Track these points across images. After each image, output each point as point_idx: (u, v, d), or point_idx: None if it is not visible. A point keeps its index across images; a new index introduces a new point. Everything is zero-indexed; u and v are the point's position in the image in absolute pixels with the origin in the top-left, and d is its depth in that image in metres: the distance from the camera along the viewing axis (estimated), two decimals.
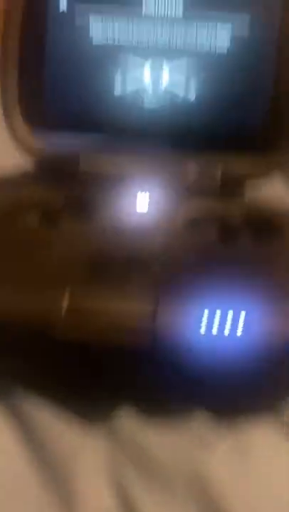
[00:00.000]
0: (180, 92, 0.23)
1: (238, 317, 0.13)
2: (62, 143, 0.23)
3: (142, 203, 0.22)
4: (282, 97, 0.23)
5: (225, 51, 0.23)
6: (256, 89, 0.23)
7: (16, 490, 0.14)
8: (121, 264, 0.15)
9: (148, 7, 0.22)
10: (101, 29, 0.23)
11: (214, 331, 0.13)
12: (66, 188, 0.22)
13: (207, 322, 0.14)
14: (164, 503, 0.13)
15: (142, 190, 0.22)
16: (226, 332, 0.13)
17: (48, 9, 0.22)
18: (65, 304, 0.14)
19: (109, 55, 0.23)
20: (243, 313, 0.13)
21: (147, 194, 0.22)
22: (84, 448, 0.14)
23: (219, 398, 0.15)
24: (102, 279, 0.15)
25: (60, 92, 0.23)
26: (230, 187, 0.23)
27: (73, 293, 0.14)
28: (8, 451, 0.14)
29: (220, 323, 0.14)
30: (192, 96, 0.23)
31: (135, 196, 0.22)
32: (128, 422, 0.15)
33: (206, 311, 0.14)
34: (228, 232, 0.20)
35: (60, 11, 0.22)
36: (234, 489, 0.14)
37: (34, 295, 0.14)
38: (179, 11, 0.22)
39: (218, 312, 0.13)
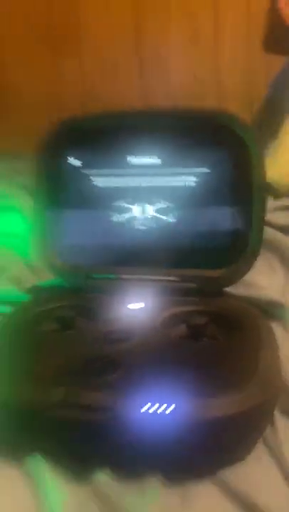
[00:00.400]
0: (163, 217, 0.31)
1: (169, 407, 0.20)
2: (75, 263, 0.32)
3: (133, 306, 0.29)
4: (240, 222, 0.30)
5: (193, 184, 0.31)
6: (221, 216, 0.30)
7: None
8: (98, 366, 0.23)
9: (134, 160, 0.31)
10: (98, 177, 0.32)
11: (151, 413, 0.20)
12: (76, 300, 0.30)
13: (147, 409, 0.20)
14: None
15: (133, 295, 0.30)
16: (159, 414, 0.20)
17: (61, 162, 0.32)
18: (59, 397, 0.21)
19: (107, 194, 0.32)
20: (172, 406, 0.20)
21: (137, 299, 0.30)
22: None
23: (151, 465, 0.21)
24: (84, 379, 0.22)
25: (73, 228, 0.32)
26: (205, 291, 0.30)
27: (65, 390, 0.21)
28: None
29: (156, 410, 0.20)
30: (172, 220, 0.31)
31: (127, 301, 0.29)
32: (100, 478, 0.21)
33: (148, 404, 0.20)
34: (195, 329, 0.27)
35: (71, 164, 0.32)
36: None
37: (40, 388, 0.22)
38: (157, 161, 0.31)
39: (156, 404, 0.20)
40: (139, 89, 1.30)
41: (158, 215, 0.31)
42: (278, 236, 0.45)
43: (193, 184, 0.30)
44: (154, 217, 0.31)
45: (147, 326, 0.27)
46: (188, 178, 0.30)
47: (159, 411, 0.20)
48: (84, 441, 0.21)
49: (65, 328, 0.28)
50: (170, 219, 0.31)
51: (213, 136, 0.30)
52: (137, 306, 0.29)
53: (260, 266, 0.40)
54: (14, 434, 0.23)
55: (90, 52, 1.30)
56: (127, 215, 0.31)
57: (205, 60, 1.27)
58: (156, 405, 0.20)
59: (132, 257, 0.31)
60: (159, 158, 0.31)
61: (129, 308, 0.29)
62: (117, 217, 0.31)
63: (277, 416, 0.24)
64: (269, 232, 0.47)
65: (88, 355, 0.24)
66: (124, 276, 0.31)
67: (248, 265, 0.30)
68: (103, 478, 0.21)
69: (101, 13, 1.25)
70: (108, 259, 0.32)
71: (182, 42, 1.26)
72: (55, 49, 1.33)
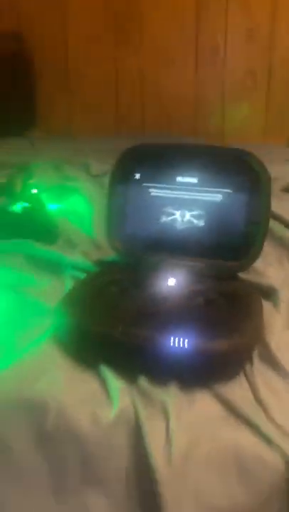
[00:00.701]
0: (195, 221, 0.45)
1: (185, 341, 0.35)
2: (132, 251, 0.47)
3: (168, 281, 0.44)
4: (251, 229, 0.44)
5: (219, 200, 0.44)
6: (237, 224, 0.44)
7: None
8: (142, 315, 0.38)
9: (180, 179, 0.45)
10: (155, 189, 0.46)
11: (175, 343, 0.35)
12: (130, 273, 0.45)
13: (172, 341, 0.35)
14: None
15: (169, 273, 0.44)
16: (177, 343, 0.35)
17: (128, 179, 0.46)
18: (118, 330, 0.36)
19: (158, 202, 0.46)
20: (186, 341, 0.35)
21: (172, 277, 0.44)
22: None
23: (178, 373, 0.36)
24: (133, 322, 0.37)
25: (131, 223, 0.47)
26: (221, 275, 0.44)
27: (122, 327, 0.36)
28: None
29: (178, 342, 0.35)
30: (202, 224, 0.45)
31: (165, 277, 0.44)
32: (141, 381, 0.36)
33: (173, 338, 0.35)
34: (208, 300, 0.41)
35: (135, 178, 0.46)
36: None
37: (107, 325, 0.37)
38: (195, 181, 0.45)
39: (177, 339, 0.35)
40: (193, 79, 1.41)
41: (192, 219, 0.45)
42: (287, 233, 0.58)
43: (218, 199, 0.44)
44: (189, 221, 0.45)
45: (177, 295, 0.42)
46: (215, 195, 0.44)
47: (179, 341, 0.35)
48: (132, 358, 0.37)
49: (122, 291, 0.43)
50: (200, 223, 0.45)
51: (235, 166, 0.43)
52: (171, 281, 0.44)
53: (271, 260, 0.54)
54: (90, 351, 0.38)
55: (149, 41, 1.42)
56: (170, 218, 0.46)
57: (259, 55, 1.37)
58: (178, 339, 0.35)
59: (171, 248, 0.46)
60: (196, 179, 0.45)
61: (165, 282, 0.44)
62: (163, 219, 0.46)
63: (256, 360, 0.38)
64: (282, 231, 0.60)
65: (136, 308, 0.39)
66: (164, 260, 0.46)
67: (252, 261, 0.44)
68: (143, 381, 0.36)
69: (162, 5, 1.36)
70: (155, 247, 0.46)
71: (238, 36, 1.36)
72: (117, 37, 1.46)
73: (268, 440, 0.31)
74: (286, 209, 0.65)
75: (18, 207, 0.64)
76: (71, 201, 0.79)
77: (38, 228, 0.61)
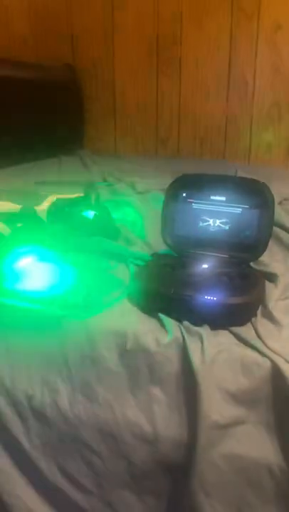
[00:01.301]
0: (223, 226, 0.69)
1: (214, 297, 0.58)
2: (179, 246, 0.71)
3: (203, 265, 0.68)
4: (259, 233, 0.67)
5: (239, 212, 0.68)
6: (251, 229, 0.68)
7: None
8: (185, 283, 0.62)
9: (213, 197, 0.69)
10: (196, 204, 0.70)
11: (208, 299, 0.58)
12: (178, 260, 0.69)
13: (206, 298, 0.59)
14: None
15: (203, 261, 0.68)
16: (208, 299, 0.58)
17: (178, 196, 0.71)
18: (171, 291, 0.60)
19: (198, 212, 0.70)
20: (215, 297, 0.58)
21: (205, 263, 0.68)
22: None
23: (208, 319, 0.59)
24: (181, 286, 0.61)
25: (178, 227, 0.71)
26: (239, 263, 0.68)
27: (174, 288, 0.60)
28: None
29: (209, 298, 0.58)
30: (227, 228, 0.69)
31: (200, 263, 0.68)
32: (184, 325, 0.60)
33: (206, 296, 0.59)
34: (230, 277, 0.65)
35: (183, 196, 0.71)
36: None
37: (164, 287, 0.61)
38: (223, 199, 0.69)
39: (209, 296, 0.59)
40: (224, 109, 1.67)
41: (220, 225, 0.69)
42: None
43: (239, 212, 0.68)
44: (218, 226, 0.69)
45: (209, 274, 0.65)
46: (236, 209, 0.68)
47: (210, 298, 0.59)
48: (180, 309, 0.60)
49: (173, 270, 0.67)
50: (226, 227, 0.69)
51: (251, 190, 0.68)
52: (205, 266, 0.68)
53: (278, 258, 0.77)
54: (153, 305, 0.62)
55: (187, 74, 1.70)
56: (206, 223, 0.70)
57: (284, 87, 1.61)
58: (209, 296, 0.59)
59: (206, 244, 0.70)
60: (224, 198, 0.69)
61: (201, 266, 0.68)
62: (201, 224, 0.70)
63: (259, 315, 0.62)
64: (286, 236, 0.84)
65: (182, 279, 0.63)
66: (200, 252, 0.70)
67: (260, 254, 0.68)
68: (186, 323, 0.60)
69: (200, 41, 1.63)
70: (195, 243, 0.70)
71: (266, 70, 1.61)
72: (160, 68, 1.74)
73: (261, 352, 0.55)
74: None
75: (90, 214, 0.89)
76: (124, 212, 1.04)
77: (105, 230, 0.86)
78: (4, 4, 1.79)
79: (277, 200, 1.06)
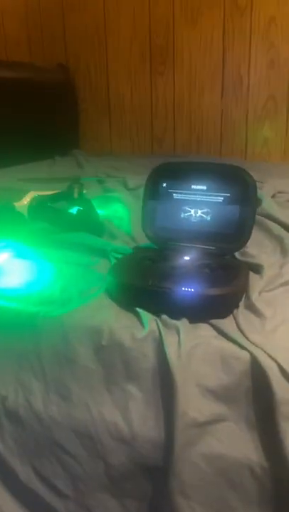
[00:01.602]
0: (204, 216, 0.66)
1: (192, 289, 0.55)
2: (160, 238, 0.68)
3: (185, 257, 0.64)
4: (242, 222, 0.64)
5: (220, 201, 0.65)
6: (233, 218, 0.65)
7: None
8: (165, 275, 0.58)
9: (194, 186, 0.66)
10: (176, 194, 0.67)
11: (186, 291, 0.55)
12: (159, 253, 0.66)
13: (184, 289, 0.55)
14: None
15: (185, 253, 0.65)
16: (187, 290, 0.55)
17: (158, 187, 0.68)
18: (149, 283, 0.57)
19: (179, 203, 0.67)
20: (192, 289, 0.55)
21: (187, 255, 0.65)
22: None
23: (187, 312, 0.56)
24: (160, 278, 0.58)
25: (159, 219, 0.68)
26: (221, 254, 0.65)
27: (152, 280, 0.57)
28: None
29: (187, 290, 0.55)
30: (208, 218, 0.66)
31: (182, 255, 0.65)
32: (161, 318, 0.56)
33: (184, 288, 0.56)
34: (212, 269, 0.62)
35: (163, 186, 0.68)
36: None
37: (142, 280, 0.58)
38: (204, 188, 0.66)
39: (187, 288, 0.55)
40: (220, 105, 1.64)
41: (202, 215, 0.66)
42: (282, 232, 0.79)
43: (220, 201, 0.65)
44: (200, 216, 0.66)
45: (190, 265, 0.62)
46: (218, 198, 0.65)
47: (188, 289, 0.55)
48: (158, 302, 0.57)
49: (153, 262, 0.64)
50: (208, 218, 0.66)
51: (232, 177, 0.64)
52: (187, 257, 0.64)
53: (267, 250, 0.74)
54: (130, 298, 0.59)
55: (181, 72, 1.67)
56: (187, 214, 0.67)
57: (279, 82, 1.58)
58: (187, 288, 0.55)
59: (188, 235, 0.66)
60: (205, 186, 0.66)
61: (183, 258, 0.64)
62: (182, 215, 0.67)
63: (241, 307, 0.58)
64: (279, 230, 0.80)
65: (161, 272, 0.60)
66: (182, 244, 0.67)
67: (243, 244, 0.65)
68: (164, 317, 0.57)
69: (193, 39, 1.60)
70: (176, 235, 0.67)
71: (260, 64, 1.58)
72: (153, 66, 1.72)
73: (241, 346, 0.51)
74: (286, 215, 0.86)
75: (74, 209, 0.86)
76: (112, 208, 1.01)
77: (89, 225, 0.83)
78: None
79: (270, 193, 1.03)
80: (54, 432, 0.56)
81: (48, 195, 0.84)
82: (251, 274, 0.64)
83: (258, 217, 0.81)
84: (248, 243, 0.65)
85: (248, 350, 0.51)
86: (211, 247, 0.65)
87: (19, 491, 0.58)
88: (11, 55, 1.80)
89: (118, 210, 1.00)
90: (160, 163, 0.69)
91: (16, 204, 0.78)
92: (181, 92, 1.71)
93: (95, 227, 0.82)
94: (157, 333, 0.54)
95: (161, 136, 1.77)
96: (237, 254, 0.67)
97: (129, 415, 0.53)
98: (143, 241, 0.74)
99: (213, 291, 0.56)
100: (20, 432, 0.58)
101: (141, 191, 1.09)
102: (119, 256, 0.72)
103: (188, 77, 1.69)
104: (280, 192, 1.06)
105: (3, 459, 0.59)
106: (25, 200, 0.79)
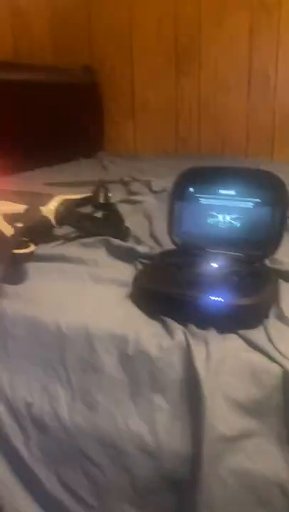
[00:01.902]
0: (233, 222, 0.64)
1: (221, 298, 0.53)
2: (186, 244, 0.66)
3: (212, 264, 0.62)
4: (272, 229, 0.62)
5: (251, 207, 0.63)
6: (263, 224, 0.62)
7: None
8: (193, 283, 0.57)
9: (222, 191, 0.64)
10: (204, 199, 0.65)
11: (214, 300, 0.53)
12: (185, 258, 0.64)
13: (212, 298, 0.53)
14: None
15: (213, 259, 0.63)
16: (215, 300, 0.53)
17: (184, 192, 0.66)
18: (177, 291, 0.56)
19: (206, 208, 0.65)
20: (221, 298, 0.53)
21: (215, 262, 0.63)
22: None
23: (215, 322, 0.54)
24: (187, 286, 0.56)
25: (186, 224, 0.66)
26: (251, 261, 0.62)
27: (178, 288, 0.55)
28: None
29: (216, 299, 0.53)
30: (238, 224, 0.64)
31: (210, 261, 0.63)
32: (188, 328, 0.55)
33: (212, 297, 0.54)
34: (241, 277, 0.60)
35: (190, 191, 0.66)
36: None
37: (169, 287, 0.57)
38: (233, 193, 0.64)
39: (215, 297, 0.54)
40: (246, 105, 1.61)
41: (231, 221, 0.64)
42: None
43: (250, 206, 0.63)
44: (229, 222, 0.64)
45: (218, 273, 0.60)
46: (248, 203, 0.63)
47: (217, 299, 0.53)
48: (185, 311, 0.56)
49: (179, 269, 0.62)
50: (237, 223, 0.64)
51: (263, 183, 0.62)
52: (214, 264, 0.63)
53: None
54: (156, 306, 0.58)
55: (206, 72, 1.64)
56: (215, 220, 0.65)
57: None
58: (216, 298, 0.54)
59: (215, 241, 0.65)
60: (234, 191, 0.64)
61: (210, 265, 0.63)
62: (210, 220, 0.65)
63: (271, 317, 0.56)
64: None
65: (189, 279, 0.58)
66: (209, 250, 0.65)
67: (273, 251, 0.62)
68: (191, 326, 0.55)
69: (219, 39, 1.58)
70: (203, 241, 0.65)
71: (288, 63, 1.54)
72: (178, 67, 1.69)
73: (272, 358, 0.49)
74: None
75: (99, 214, 0.85)
76: (137, 211, 1.00)
77: (114, 230, 0.82)
78: (24, 10, 1.78)
79: None
80: (79, 441, 0.55)
81: (74, 200, 0.83)
82: (281, 282, 0.61)
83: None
84: (279, 250, 0.63)
85: (280, 364, 0.49)
86: (239, 254, 0.63)
87: (44, 500, 0.57)
88: (37, 58, 1.80)
89: (142, 213, 0.98)
90: (186, 167, 0.67)
91: (43, 208, 0.77)
92: (207, 93, 1.69)
93: (119, 231, 0.81)
94: (184, 343, 0.53)
95: (186, 136, 1.75)
96: (266, 262, 0.65)
97: (155, 427, 0.52)
98: (168, 246, 0.72)
99: (243, 301, 0.54)
100: (46, 439, 0.57)
101: (165, 194, 1.08)
102: (145, 261, 0.70)
103: (213, 77, 1.66)
104: None
105: (29, 466, 0.58)
106: (52, 205, 0.78)
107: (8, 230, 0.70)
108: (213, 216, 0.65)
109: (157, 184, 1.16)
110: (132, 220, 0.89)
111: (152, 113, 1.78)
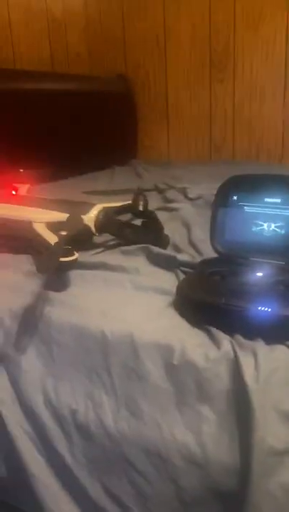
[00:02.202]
0: (278, 230, 0.63)
1: (269, 308, 0.52)
2: (229, 252, 0.65)
3: (256, 273, 0.62)
4: None
5: None
6: None
7: None
8: (238, 293, 0.56)
9: (267, 199, 0.63)
10: (248, 207, 0.65)
11: (262, 310, 0.53)
12: (228, 266, 0.64)
13: (260, 308, 0.53)
14: None
15: (257, 268, 0.62)
16: (263, 310, 0.52)
17: (228, 199, 0.65)
18: (223, 301, 0.55)
19: (250, 216, 0.64)
20: (270, 309, 0.52)
21: (259, 271, 0.62)
22: None
23: (263, 333, 0.53)
24: (232, 297, 0.55)
25: (229, 232, 0.66)
26: None
27: (225, 299, 0.55)
28: None
29: (263, 309, 0.53)
30: (283, 232, 0.63)
31: (254, 271, 0.62)
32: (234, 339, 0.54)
33: (260, 307, 0.53)
34: (287, 286, 0.58)
35: (234, 199, 0.65)
36: None
37: (213, 297, 0.56)
38: (278, 201, 0.63)
39: (263, 307, 0.53)
40: (281, 112, 1.59)
41: (276, 229, 0.63)
42: None
43: None
44: (273, 230, 0.63)
45: (263, 282, 0.59)
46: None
47: (265, 309, 0.53)
48: (231, 321, 0.55)
49: (223, 278, 0.62)
50: (282, 232, 0.63)
51: None
52: (259, 273, 0.62)
53: None
54: (202, 316, 0.57)
55: (241, 79, 1.63)
56: (259, 228, 0.64)
57: None
58: (263, 308, 0.53)
59: (259, 250, 0.64)
60: (280, 199, 0.63)
61: (255, 274, 0.62)
62: (254, 228, 0.64)
63: None
64: None
65: (234, 288, 0.58)
66: (254, 259, 0.64)
67: None
68: (238, 336, 0.54)
69: (255, 47, 1.57)
70: (247, 249, 0.65)
71: None
72: (213, 74, 1.69)
73: None
74: None
75: (139, 222, 0.86)
76: (174, 219, 1.00)
77: (153, 238, 0.82)
78: (60, 21, 1.82)
79: None
80: (124, 449, 0.55)
81: (114, 208, 0.83)
82: None
83: None
84: None
85: None
86: (284, 263, 0.62)
87: (89, 507, 0.58)
88: (72, 67, 1.83)
89: (180, 221, 0.98)
90: (221, 173, 0.67)
91: (84, 216, 0.78)
92: (241, 100, 1.68)
93: (159, 239, 0.81)
94: (232, 354, 0.52)
95: (220, 144, 1.74)
96: None
97: (202, 438, 0.51)
98: (209, 254, 0.72)
99: None
100: (90, 446, 0.57)
101: (202, 201, 1.08)
102: (186, 269, 0.70)
103: (248, 84, 1.65)
104: None
105: (73, 472, 0.58)
106: (93, 213, 0.79)
107: (52, 238, 0.71)
108: (257, 224, 0.64)
109: (193, 191, 1.16)
110: (170, 227, 0.89)
111: (186, 120, 1.78)
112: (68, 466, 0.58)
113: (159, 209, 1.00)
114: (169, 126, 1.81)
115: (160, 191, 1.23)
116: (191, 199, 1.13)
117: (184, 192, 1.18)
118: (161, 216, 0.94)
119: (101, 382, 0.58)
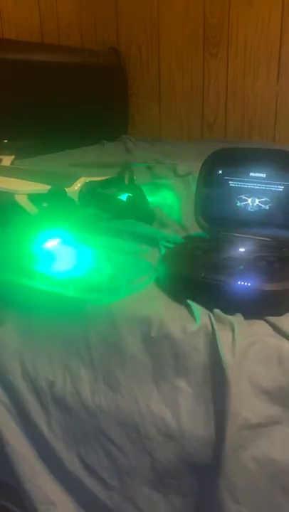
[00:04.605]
0: (262, 205, 0.62)
1: (248, 283, 0.52)
2: (213, 228, 0.64)
3: (239, 249, 0.61)
4: None
5: (281, 190, 0.61)
6: None
7: None
8: (219, 267, 0.55)
9: (252, 174, 0.62)
10: (233, 181, 0.64)
11: (241, 285, 0.52)
12: (210, 242, 0.63)
13: (239, 283, 0.52)
14: None
15: (240, 244, 0.61)
16: (242, 284, 0.52)
17: (213, 174, 0.64)
18: (203, 275, 0.54)
19: (235, 191, 0.63)
20: (250, 283, 0.52)
21: (242, 246, 0.61)
22: None
23: (242, 307, 0.53)
24: (212, 271, 0.55)
25: (213, 207, 0.65)
26: (279, 246, 0.61)
27: (205, 272, 0.54)
28: None
29: (243, 284, 0.52)
30: (267, 207, 0.62)
31: (237, 246, 0.61)
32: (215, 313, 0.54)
33: (239, 282, 0.52)
34: (269, 261, 0.58)
35: (219, 173, 0.64)
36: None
37: (194, 272, 0.56)
38: (263, 175, 0.62)
39: (243, 282, 0.52)
40: (275, 89, 1.57)
41: (260, 204, 0.62)
42: None
43: (280, 190, 0.61)
44: (257, 205, 0.62)
45: (245, 257, 0.59)
46: (278, 186, 0.61)
47: (244, 283, 0.52)
48: (210, 295, 0.54)
49: (205, 253, 0.61)
50: (266, 207, 0.62)
51: None
52: (242, 249, 0.61)
53: None
54: (181, 291, 0.57)
55: (234, 54, 1.60)
56: (244, 203, 0.63)
57: None
58: (244, 282, 0.52)
59: (243, 225, 0.63)
60: (264, 174, 0.62)
61: (238, 249, 0.61)
62: (238, 203, 0.63)
63: None
64: None
65: (215, 263, 0.57)
66: (237, 235, 0.63)
67: None
68: (217, 311, 0.54)
69: (248, 20, 1.53)
70: (230, 224, 0.64)
71: None
72: (206, 48, 1.65)
73: None
74: None
75: (124, 196, 0.84)
76: (162, 195, 0.98)
77: (139, 213, 0.80)
78: None
79: None
80: (100, 422, 0.55)
81: (98, 181, 0.82)
82: None
83: None
84: None
85: None
86: (268, 239, 0.61)
87: (65, 479, 0.58)
88: (63, 39, 1.79)
89: (168, 197, 0.97)
90: (214, 149, 0.66)
91: (67, 189, 0.76)
92: (235, 75, 1.64)
93: (145, 214, 0.80)
94: (210, 328, 0.52)
95: (212, 120, 1.72)
96: None
97: (177, 411, 0.51)
98: (194, 230, 0.71)
99: (271, 287, 0.53)
100: (67, 418, 0.57)
101: (190, 178, 1.06)
102: (170, 245, 0.69)
103: (242, 59, 1.62)
104: None
105: (50, 444, 0.58)
106: (76, 186, 0.77)
107: (33, 210, 0.70)
108: (242, 199, 0.63)
109: (182, 168, 1.14)
110: (156, 202, 0.88)
111: (178, 96, 1.74)
112: (45, 438, 0.58)
113: (146, 184, 0.99)
114: (161, 102, 1.78)
115: (149, 167, 1.21)
116: (180, 175, 1.11)
117: (173, 168, 1.17)
118: (148, 191, 0.93)
119: (79, 355, 0.57)
